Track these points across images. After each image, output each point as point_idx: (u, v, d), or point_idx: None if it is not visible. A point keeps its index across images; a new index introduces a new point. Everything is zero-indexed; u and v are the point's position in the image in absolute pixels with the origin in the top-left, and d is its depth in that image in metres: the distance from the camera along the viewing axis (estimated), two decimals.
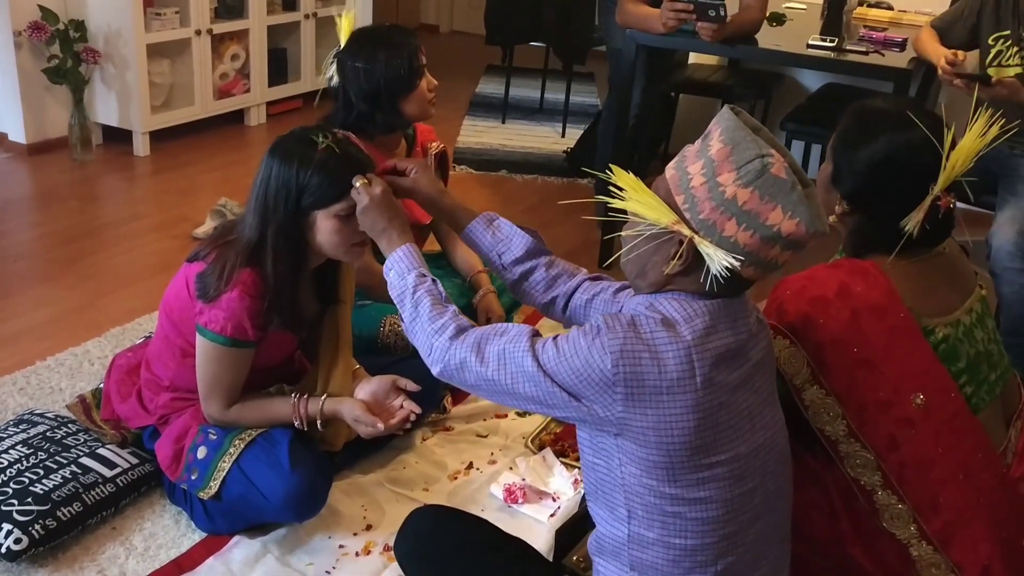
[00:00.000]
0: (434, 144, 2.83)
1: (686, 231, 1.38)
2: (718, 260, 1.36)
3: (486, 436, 2.59)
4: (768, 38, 3.68)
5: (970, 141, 1.69)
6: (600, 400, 1.41)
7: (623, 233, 1.48)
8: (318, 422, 2.13)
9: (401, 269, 1.72)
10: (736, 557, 1.48)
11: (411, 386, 2.15)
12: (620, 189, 1.46)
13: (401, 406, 2.14)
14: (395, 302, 1.71)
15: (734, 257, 1.36)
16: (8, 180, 4.30)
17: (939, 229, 1.76)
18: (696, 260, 1.40)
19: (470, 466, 2.48)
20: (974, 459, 1.69)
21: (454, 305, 1.65)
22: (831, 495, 1.74)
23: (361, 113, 2.56)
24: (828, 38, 3.54)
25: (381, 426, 2.07)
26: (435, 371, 1.59)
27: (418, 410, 2.13)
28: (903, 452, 1.66)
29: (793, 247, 1.40)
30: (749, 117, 1.45)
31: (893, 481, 1.67)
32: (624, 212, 1.46)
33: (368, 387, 2.20)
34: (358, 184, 1.88)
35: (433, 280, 1.68)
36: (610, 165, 1.52)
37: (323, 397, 2.14)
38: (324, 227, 1.97)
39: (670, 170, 1.45)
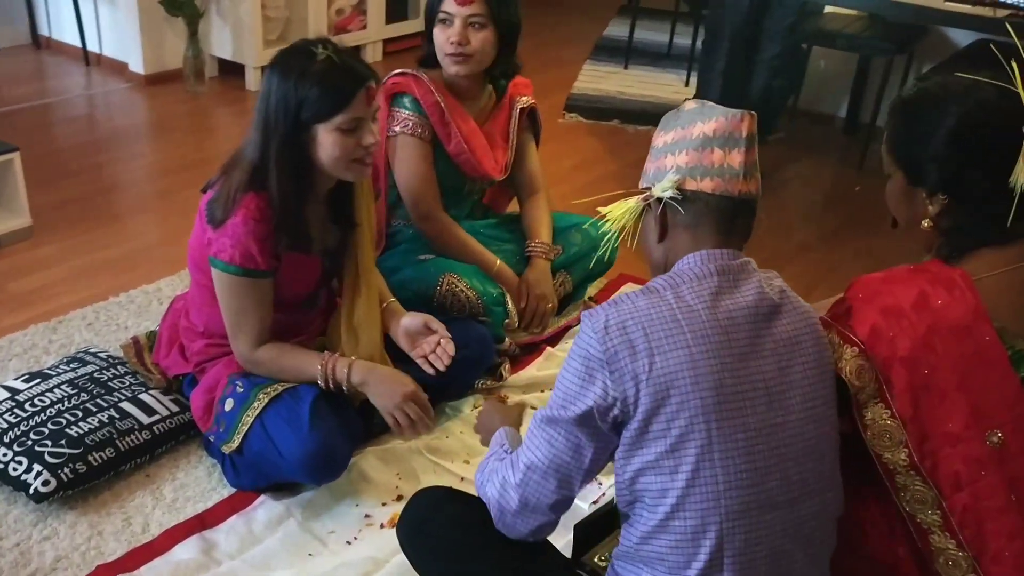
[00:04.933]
0: (523, 98, 2.74)
1: (647, 194, 1.47)
2: (661, 185, 1.42)
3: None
4: None
5: None
6: (601, 383, 1.37)
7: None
8: (344, 387, 2.07)
9: (492, 450, 1.70)
10: (743, 545, 1.36)
11: (440, 328, 2.20)
12: None
13: (438, 343, 2.18)
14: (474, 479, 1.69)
15: (672, 174, 1.41)
16: (124, 109, 4.40)
17: None
18: (667, 211, 1.45)
19: None
20: None
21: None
22: (892, 517, 1.55)
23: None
24: None
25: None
26: (497, 523, 1.57)
27: (452, 350, 2.16)
28: (968, 494, 1.44)
29: (731, 143, 1.41)
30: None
31: (953, 524, 1.46)
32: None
33: (406, 321, 2.21)
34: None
35: (508, 450, 1.65)
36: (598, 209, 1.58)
37: (350, 361, 2.07)
38: (325, 141, 1.92)
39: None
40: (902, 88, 4.30)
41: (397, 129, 2.54)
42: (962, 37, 4.13)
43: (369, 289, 2.18)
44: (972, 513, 1.45)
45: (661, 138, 1.48)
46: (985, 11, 3.34)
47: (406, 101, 2.53)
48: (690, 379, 1.34)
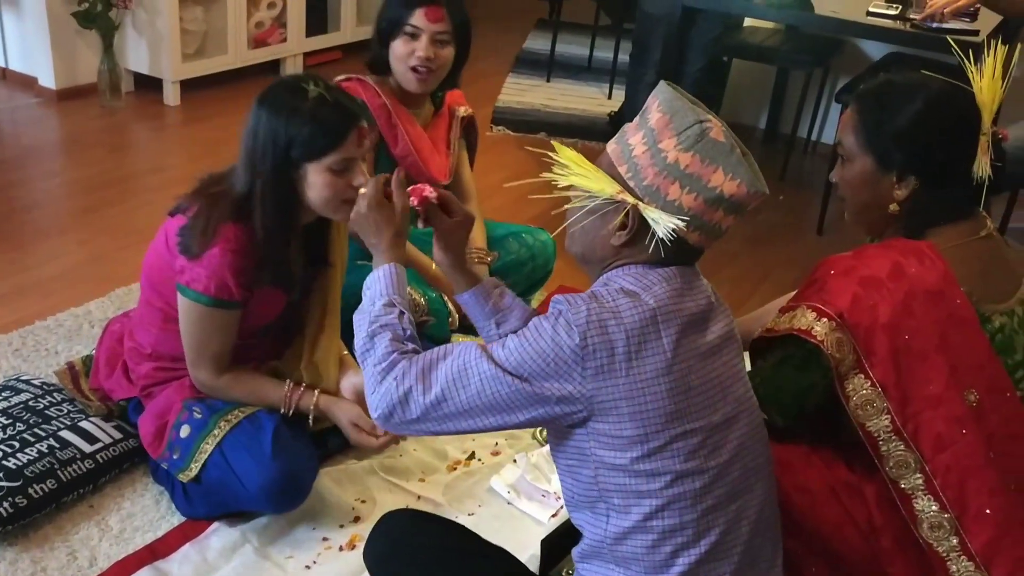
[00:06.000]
0: (462, 108, 2.79)
1: (630, 199, 1.38)
2: (664, 224, 1.35)
3: None
4: (828, 2, 3.43)
5: (991, 69, 1.63)
6: (571, 379, 1.35)
7: (568, 206, 1.45)
8: (310, 419, 2.05)
9: (373, 293, 1.59)
10: (718, 537, 1.40)
11: None
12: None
13: None
14: (354, 325, 1.58)
15: (679, 218, 1.35)
16: (36, 125, 4.22)
17: (1003, 168, 1.67)
18: (642, 228, 1.39)
19: (472, 456, 2.35)
20: None
21: (414, 344, 1.51)
22: (870, 509, 1.60)
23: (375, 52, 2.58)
24: (891, 4, 3.28)
25: (376, 442, 2.01)
26: (375, 415, 1.45)
27: None
28: (950, 455, 1.51)
29: (736, 210, 1.40)
30: (685, 92, 1.42)
31: (936, 485, 1.52)
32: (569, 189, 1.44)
33: (355, 379, 2.11)
34: (361, 191, 1.72)
35: (401, 312, 1.55)
36: (552, 141, 1.50)
37: (316, 392, 2.04)
38: (316, 181, 1.86)
39: (611, 145, 1.45)
40: (819, 99, 4.44)
41: None
42: (875, 51, 4.28)
43: (333, 329, 2.14)
44: (955, 473, 1.51)
45: (676, 152, 1.35)
46: (900, 24, 3.46)
47: None
48: (665, 386, 1.35)
